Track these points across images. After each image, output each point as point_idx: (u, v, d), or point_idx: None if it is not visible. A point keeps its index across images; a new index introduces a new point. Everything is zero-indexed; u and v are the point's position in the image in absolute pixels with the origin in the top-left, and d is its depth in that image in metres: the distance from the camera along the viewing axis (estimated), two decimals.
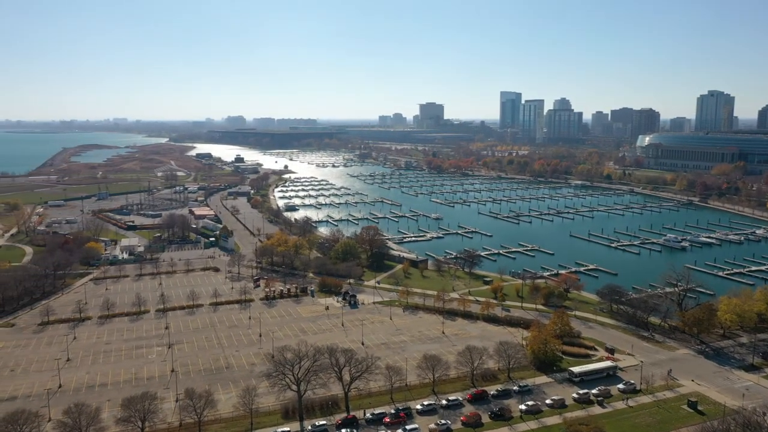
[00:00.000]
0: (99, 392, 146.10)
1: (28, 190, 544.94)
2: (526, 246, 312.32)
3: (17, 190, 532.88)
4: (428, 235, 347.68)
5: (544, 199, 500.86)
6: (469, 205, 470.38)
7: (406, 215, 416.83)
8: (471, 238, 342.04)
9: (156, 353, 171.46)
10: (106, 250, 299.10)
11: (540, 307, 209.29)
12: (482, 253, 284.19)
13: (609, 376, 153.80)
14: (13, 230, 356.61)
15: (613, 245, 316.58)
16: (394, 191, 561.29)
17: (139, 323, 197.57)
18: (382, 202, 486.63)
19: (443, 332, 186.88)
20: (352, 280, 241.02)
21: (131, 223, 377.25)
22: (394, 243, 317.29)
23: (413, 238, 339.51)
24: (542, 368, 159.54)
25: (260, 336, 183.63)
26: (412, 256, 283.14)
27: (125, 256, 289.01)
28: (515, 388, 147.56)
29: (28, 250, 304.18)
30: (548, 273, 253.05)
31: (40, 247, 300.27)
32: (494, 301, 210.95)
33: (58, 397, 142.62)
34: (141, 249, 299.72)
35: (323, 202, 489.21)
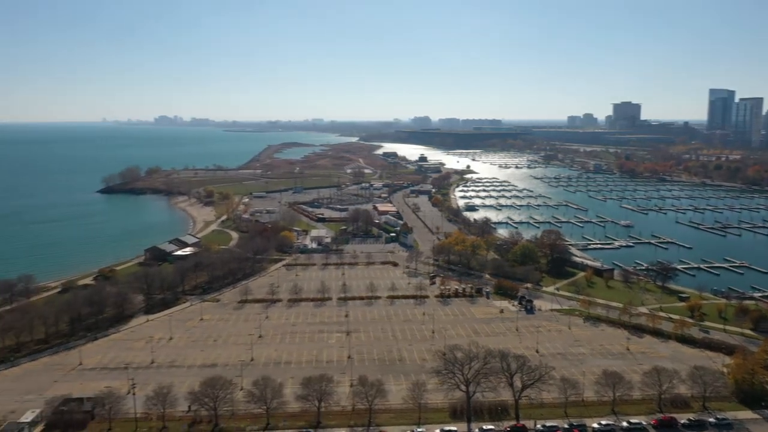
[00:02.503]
0: (284, 369, 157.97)
1: (237, 182, 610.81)
2: (733, 261, 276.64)
3: (229, 182, 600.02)
4: (616, 243, 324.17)
5: (759, 209, 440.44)
6: (666, 213, 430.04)
7: (593, 221, 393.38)
8: (666, 249, 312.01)
9: (335, 339, 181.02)
10: (297, 239, 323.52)
11: (747, 332, 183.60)
12: (678, 267, 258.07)
13: None
14: (224, 217, 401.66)
15: None
16: (580, 195, 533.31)
17: (322, 309, 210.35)
18: (566, 205, 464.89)
19: (628, 348, 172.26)
20: (529, 285, 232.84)
21: (321, 216, 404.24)
22: (577, 249, 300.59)
23: (599, 246, 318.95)
24: (747, 402, 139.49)
25: (433, 333, 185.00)
26: (597, 264, 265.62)
27: (314, 245, 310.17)
28: (712, 419, 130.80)
29: (234, 235, 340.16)
30: (760, 294, 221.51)
31: (244, 233, 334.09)
32: (690, 321, 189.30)
33: (250, 369, 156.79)
34: (328, 240, 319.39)
35: (504, 204, 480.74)
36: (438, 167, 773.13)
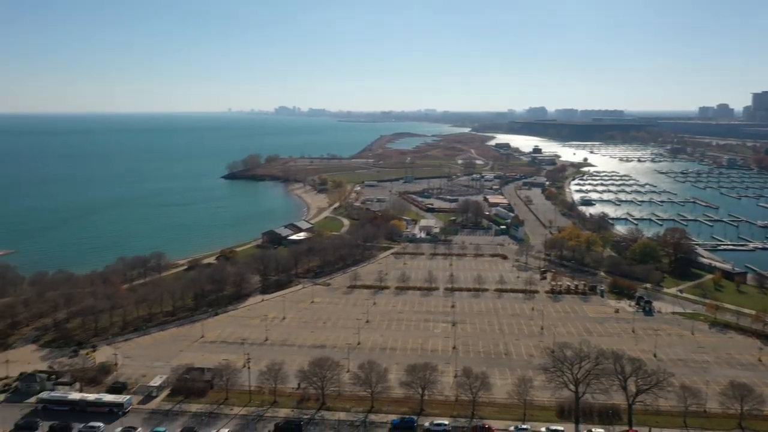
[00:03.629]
0: (389, 355, 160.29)
1: (350, 171, 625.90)
2: None
3: (342, 171, 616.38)
4: (751, 245, 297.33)
5: None
6: None
7: (724, 219, 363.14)
8: None
9: (441, 329, 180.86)
10: (407, 228, 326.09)
11: None
12: None
13: None
14: (336, 204, 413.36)
15: None
16: (710, 192, 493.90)
17: (428, 298, 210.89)
18: (694, 203, 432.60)
19: (760, 360, 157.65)
20: (648, 285, 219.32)
21: (430, 206, 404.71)
22: (705, 250, 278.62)
23: (730, 247, 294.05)
24: None
25: (542, 329, 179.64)
26: (727, 266, 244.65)
27: (423, 235, 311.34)
28: None
29: (345, 222, 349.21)
30: None
31: (355, 221, 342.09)
32: None
33: (356, 352, 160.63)
34: (437, 230, 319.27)
35: (623, 199, 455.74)
36: (553, 159, 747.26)
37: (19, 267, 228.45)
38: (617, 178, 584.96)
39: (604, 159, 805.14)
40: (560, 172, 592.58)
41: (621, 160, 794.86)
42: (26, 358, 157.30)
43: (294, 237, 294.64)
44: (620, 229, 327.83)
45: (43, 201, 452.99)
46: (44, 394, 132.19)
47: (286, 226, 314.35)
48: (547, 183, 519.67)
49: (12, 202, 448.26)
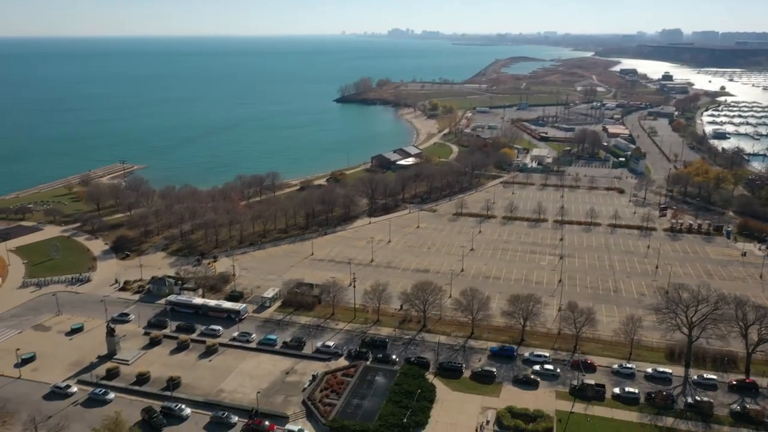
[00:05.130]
0: (492, 283, 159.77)
1: (461, 96, 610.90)
2: None
3: (454, 96, 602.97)
4: None
5: None
6: None
7: None
8: None
9: (547, 261, 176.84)
10: (517, 157, 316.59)
11: None
12: None
13: None
14: (446, 130, 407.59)
15: None
16: None
17: (536, 230, 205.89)
18: None
19: None
20: None
21: (544, 135, 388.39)
22: None
23: None
24: None
25: (656, 268, 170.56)
26: None
27: (534, 165, 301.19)
28: None
29: (454, 149, 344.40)
30: None
31: (464, 148, 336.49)
32: None
33: (459, 279, 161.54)
34: (549, 160, 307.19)
35: (763, 133, 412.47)
36: (684, 87, 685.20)
37: (150, 181, 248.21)
38: (759, 109, 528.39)
39: (745, 88, 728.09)
40: (692, 102, 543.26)
41: (765, 89, 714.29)
42: (157, 264, 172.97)
43: (402, 162, 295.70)
44: (756, 165, 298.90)
45: (170, 120, 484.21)
46: (172, 297, 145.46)
47: (394, 151, 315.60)
48: (676, 113, 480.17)
49: (142, 120, 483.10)
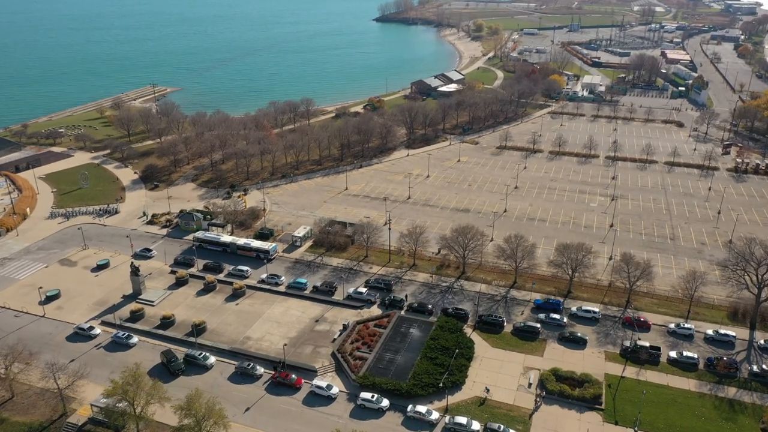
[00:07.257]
0: (537, 227, 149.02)
1: (508, 16, 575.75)
2: None
3: (500, 16, 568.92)
4: None
5: None
6: None
7: None
8: None
9: (598, 203, 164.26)
10: (567, 84, 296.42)
11: None
12: None
13: None
14: (491, 54, 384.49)
15: None
16: None
17: (586, 167, 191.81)
18: None
19: None
20: None
21: (597, 60, 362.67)
22: None
23: None
24: None
25: (719, 213, 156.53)
26: None
27: (585, 93, 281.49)
28: None
29: (499, 74, 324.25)
30: None
31: (510, 74, 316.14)
32: None
33: (502, 220, 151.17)
34: (602, 89, 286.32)
35: None
36: (752, 8, 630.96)
37: (181, 106, 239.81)
38: None
39: None
40: (761, 24, 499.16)
41: None
42: (186, 196, 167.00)
43: (443, 89, 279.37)
44: None
45: (204, 41, 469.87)
46: (199, 234, 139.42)
47: (436, 77, 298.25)
48: (743, 37, 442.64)
49: (175, 41, 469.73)
